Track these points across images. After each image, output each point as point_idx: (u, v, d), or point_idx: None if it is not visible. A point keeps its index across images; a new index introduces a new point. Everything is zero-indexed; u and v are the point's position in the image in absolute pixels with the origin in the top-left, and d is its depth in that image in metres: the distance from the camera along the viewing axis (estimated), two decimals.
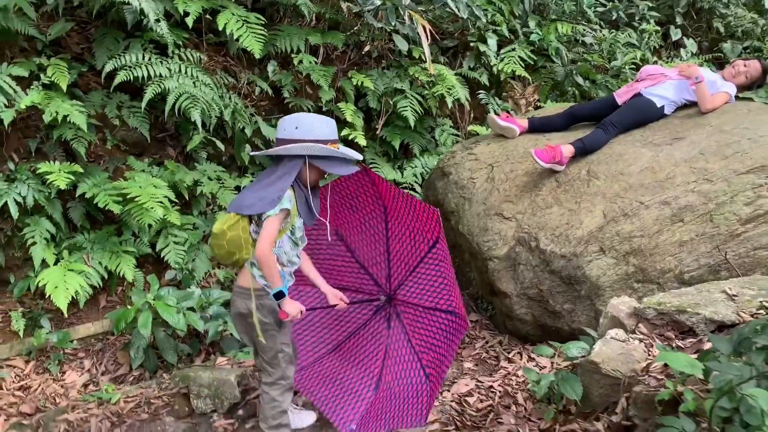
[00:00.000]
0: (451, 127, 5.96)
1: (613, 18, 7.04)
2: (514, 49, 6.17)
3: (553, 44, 6.33)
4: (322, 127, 2.62)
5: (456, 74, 5.84)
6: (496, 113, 4.89)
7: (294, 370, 2.87)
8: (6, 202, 3.90)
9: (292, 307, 2.60)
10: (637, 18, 7.11)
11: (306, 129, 2.58)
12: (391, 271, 3.13)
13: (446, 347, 2.86)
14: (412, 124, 5.40)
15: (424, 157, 5.70)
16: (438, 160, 5.01)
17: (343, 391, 3.16)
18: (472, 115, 6.12)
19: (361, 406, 3.08)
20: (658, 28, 7.01)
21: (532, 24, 6.43)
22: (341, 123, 5.45)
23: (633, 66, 6.51)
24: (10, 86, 3.96)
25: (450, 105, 5.61)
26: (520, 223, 3.80)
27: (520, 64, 6.06)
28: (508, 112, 5.90)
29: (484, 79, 6.08)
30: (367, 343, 3.25)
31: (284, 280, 2.66)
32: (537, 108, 6.15)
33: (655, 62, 6.76)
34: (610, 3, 7.07)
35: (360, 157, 2.77)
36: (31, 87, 4.10)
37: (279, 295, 2.56)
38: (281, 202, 2.54)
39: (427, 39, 5.33)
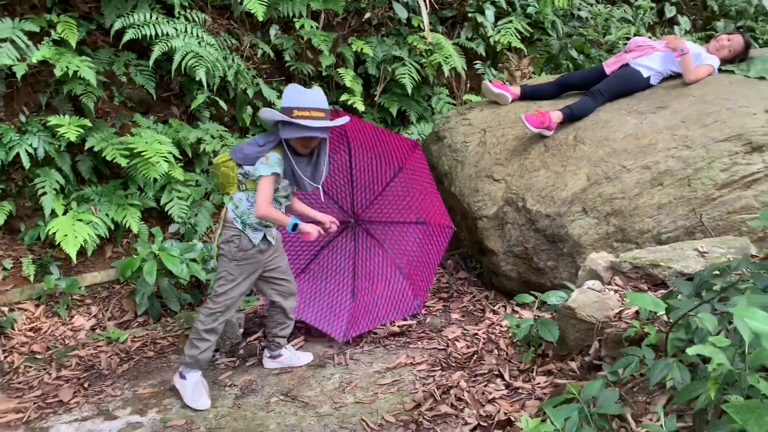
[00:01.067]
0: (447, 95, 6.11)
1: None
2: (510, 21, 6.30)
3: (549, 17, 6.47)
4: (293, 95, 2.87)
5: (453, 44, 5.99)
6: (490, 81, 5.05)
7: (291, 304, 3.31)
8: (18, 152, 4.07)
9: (310, 228, 3.03)
10: None
11: (283, 98, 2.89)
12: (354, 198, 3.79)
13: (423, 251, 3.74)
14: (409, 91, 5.55)
15: (421, 124, 5.87)
16: (433, 125, 5.18)
17: (325, 306, 3.68)
18: (468, 84, 6.28)
19: (345, 314, 3.62)
20: (653, 5, 7.14)
21: None
22: (340, 88, 5.61)
23: (626, 40, 6.65)
24: (22, 40, 4.10)
25: (447, 74, 5.76)
26: (509, 184, 3.99)
27: (516, 36, 6.20)
28: (502, 81, 6.06)
29: (481, 50, 6.23)
30: (333, 260, 3.88)
31: (271, 228, 3.05)
32: (531, 79, 6.31)
33: (649, 38, 6.90)
34: None
35: (317, 124, 2.85)
36: (42, 42, 4.24)
37: (295, 228, 2.95)
38: (271, 166, 2.88)
39: (427, 8, 5.47)
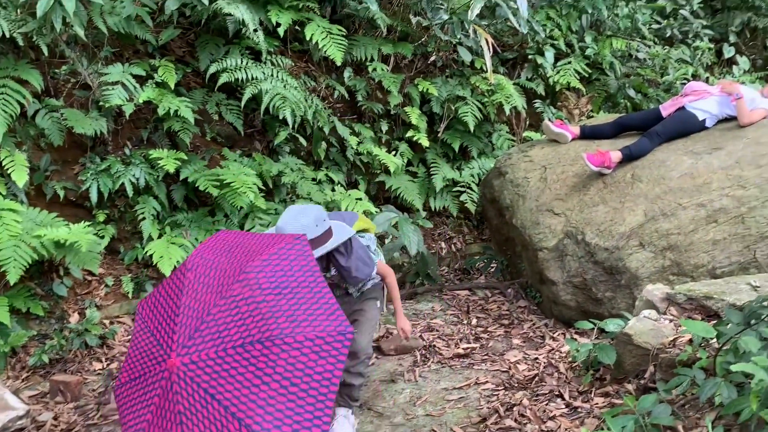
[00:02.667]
0: (507, 132, 6.43)
1: (668, 35, 7.38)
2: (569, 62, 6.60)
3: (608, 58, 6.73)
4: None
5: (514, 84, 6.32)
6: (550, 120, 5.34)
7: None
8: (123, 182, 4.58)
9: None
10: (691, 35, 7.43)
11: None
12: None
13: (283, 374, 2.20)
14: (471, 128, 5.90)
15: (481, 159, 6.19)
16: (495, 161, 5.49)
17: None
18: (527, 122, 6.58)
19: None
20: (712, 45, 7.31)
21: (588, 39, 6.85)
22: (407, 125, 6.01)
23: (685, 80, 6.84)
24: (130, 83, 4.65)
25: (507, 112, 6.09)
26: (569, 218, 4.25)
27: (575, 76, 6.49)
28: (561, 119, 6.34)
29: (541, 90, 6.54)
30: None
31: None
32: (590, 118, 6.57)
33: (707, 78, 7.07)
34: (665, 20, 7.41)
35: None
36: (146, 84, 4.77)
37: None
38: None
39: (489, 51, 5.82)
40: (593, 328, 3.49)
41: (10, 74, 4.18)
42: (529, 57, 6.58)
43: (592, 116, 6.58)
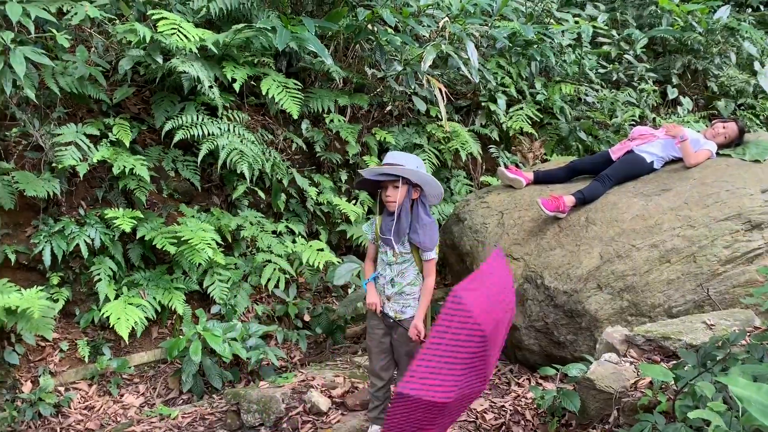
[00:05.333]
0: (465, 177, 6.53)
1: (614, 78, 7.67)
2: (521, 108, 6.79)
3: (558, 103, 6.95)
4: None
5: (469, 131, 6.46)
6: (505, 166, 5.46)
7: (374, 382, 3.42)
8: (78, 243, 4.48)
9: (368, 296, 3.33)
10: (636, 78, 7.73)
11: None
12: None
13: None
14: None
15: (441, 205, 6.25)
16: (453, 207, 5.56)
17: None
18: (484, 167, 6.71)
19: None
20: (656, 87, 7.62)
21: (538, 85, 7.07)
22: None
23: (633, 122, 7.09)
24: (84, 143, 4.59)
25: (464, 158, 6.20)
26: (528, 263, 4.31)
27: (528, 122, 6.67)
28: (516, 165, 6.48)
29: (495, 135, 6.69)
30: None
31: (372, 275, 3.36)
32: (544, 161, 6.73)
33: (654, 119, 7.35)
34: (611, 65, 7.71)
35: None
36: (100, 143, 4.72)
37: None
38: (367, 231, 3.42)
39: (443, 100, 5.96)
40: (556, 374, 3.51)
41: None
42: (482, 104, 6.75)
43: (546, 159, 6.75)
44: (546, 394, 3.29)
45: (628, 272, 3.96)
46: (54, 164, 4.49)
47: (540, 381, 4.02)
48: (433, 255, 3.22)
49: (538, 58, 6.91)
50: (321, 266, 5.18)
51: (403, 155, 3.22)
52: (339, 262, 5.26)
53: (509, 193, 4.94)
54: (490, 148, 6.69)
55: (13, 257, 4.36)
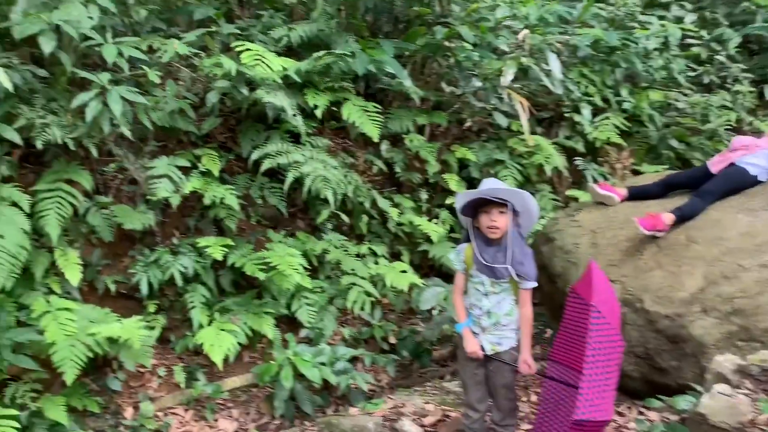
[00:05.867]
0: (550, 192, 6.34)
1: (705, 82, 7.28)
2: (608, 117, 6.54)
3: (646, 111, 6.66)
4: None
5: (553, 143, 6.28)
6: (594, 180, 5.25)
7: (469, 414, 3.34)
8: (172, 272, 4.63)
9: (466, 343, 3.14)
10: (730, 80, 7.31)
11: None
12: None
13: None
14: None
15: None
16: (542, 225, 5.39)
17: None
18: (570, 180, 6.49)
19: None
20: (752, 89, 7.18)
21: (624, 93, 6.80)
22: (446, 191, 5.99)
23: (728, 127, 6.70)
24: (175, 175, 4.76)
25: (548, 172, 6.03)
26: (625, 285, 4.11)
27: (615, 131, 6.42)
28: (606, 179, 6.23)
29: (580, 147, 6.47)
30: None
31: (468, 319, 3.20)
32: (633, 172, 6.45)
33: (751, 122, 6.91)
34: (702, 67, 7.32)
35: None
36: (191, 174, 4.88)
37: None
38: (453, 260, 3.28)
39: (525, 113, 5.82)
40: (662, 407, 3.31)
41: (63, 177, 4.33)
42: (566, 115, 6.55)
43: (636, 170, 6.46)
44: (654, 429, 3.11)
45: (736, 294, 3.69)
46: (148, 197, 4.67)
47: (642, 410, 3.81)
48: (534, 284, 3.12)
49: (623, 65, 6.65)
50: (405, 288, 5.15)
51: (498, 182, 3.16)
52: (423, 285, 5.22)
53: (601, 211, 4.74)
54: (576, 160, 6.47)
55: (113, 287, 4.57)
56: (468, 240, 3.20)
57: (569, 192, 6.33)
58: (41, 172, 4.43)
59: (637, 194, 4.66)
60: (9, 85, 3.84)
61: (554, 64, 5.64)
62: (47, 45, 4.06)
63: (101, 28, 4.38)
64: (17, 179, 4.28)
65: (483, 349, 3.17)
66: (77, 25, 4.21)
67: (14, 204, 3.97)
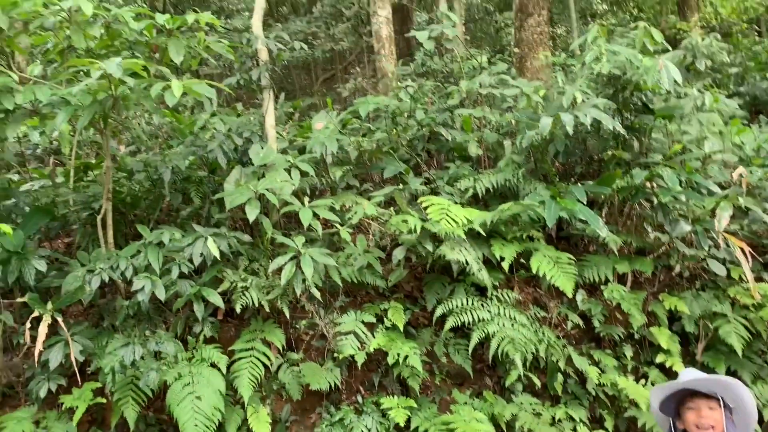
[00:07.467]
0: None
1: None
2: None
3: None
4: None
5: None
6: None
7: None
8: None
9: None
10: None
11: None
12: None
13: None
14: (739, 351, 4.98)
15: (758, 386, 5.13)
16: None
17: None
18: None
19: None
20: None
21: None
22: (655, 348, 5.29)
23: None
24: (361, 331, 4.77)
25: None
26: None
27: None
28: None
29: None
30: None
31: None
32: None
33: None
34: None
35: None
36: (377, 329, 4.86)
37: None
38: None
39: (748, 261, 5.06)
40: None
41: (258, 336, 4.54)
42: None
43: None
44: None
45: None
46: (336, 354, 4.70)
47: None
48: None
49: None
50: None
51: (700, 372, 2.66)
52: None
53: None
54: None
55: None
56: None
57: None
58: (240, 327, 4.70)
59: None
60: (216, 253, 4.19)
61: None
62: (252, 213, 4.42)
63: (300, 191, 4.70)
64: (219, 336, 4.57)
65: None
66: (280, 193, 4.56)
67: (213, 365, 4.19)
